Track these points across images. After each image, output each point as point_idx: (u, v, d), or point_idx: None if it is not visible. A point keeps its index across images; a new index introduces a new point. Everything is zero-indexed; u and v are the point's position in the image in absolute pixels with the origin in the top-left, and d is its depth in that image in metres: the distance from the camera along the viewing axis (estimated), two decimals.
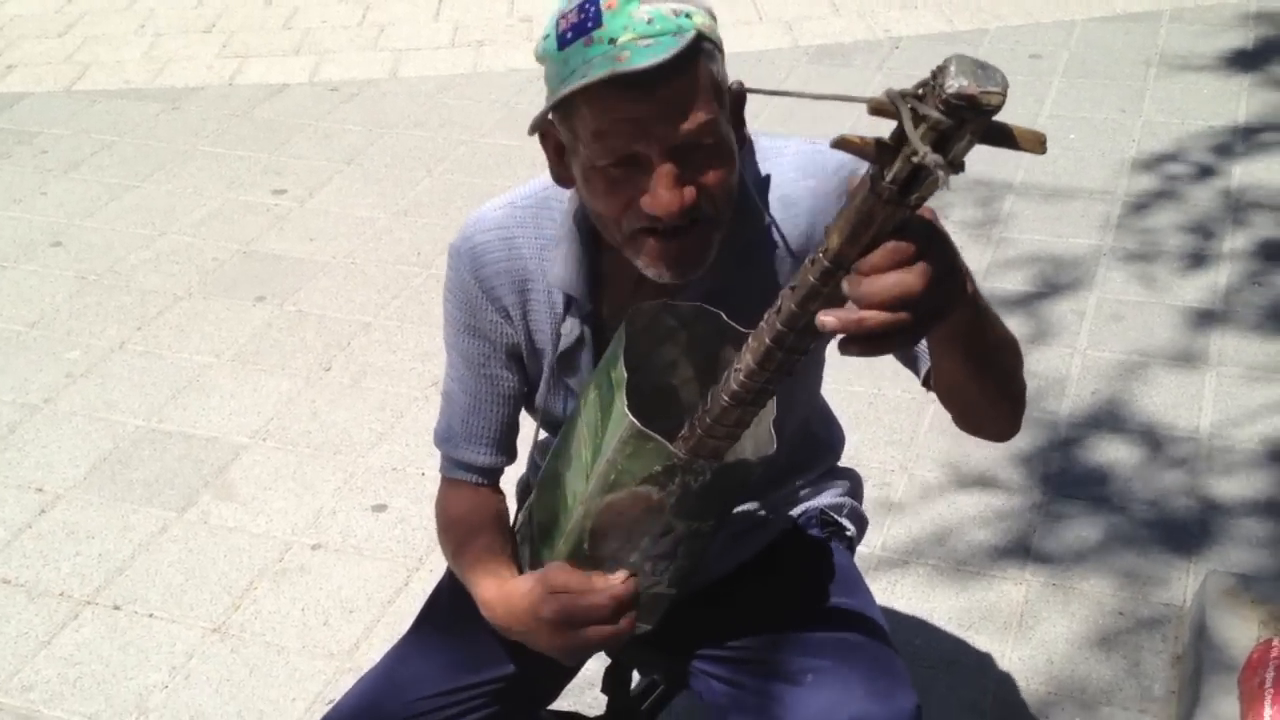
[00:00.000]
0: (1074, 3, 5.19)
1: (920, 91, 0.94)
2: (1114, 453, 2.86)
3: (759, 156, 1.47)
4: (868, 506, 1.86)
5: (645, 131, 1.28)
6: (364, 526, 2.81)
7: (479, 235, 1.55)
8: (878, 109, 0.98)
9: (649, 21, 1.26)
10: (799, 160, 1.48)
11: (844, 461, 1.81)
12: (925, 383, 1.45)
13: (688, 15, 1.28)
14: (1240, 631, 2.19)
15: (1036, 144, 0.99)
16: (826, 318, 1.04)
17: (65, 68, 5.28)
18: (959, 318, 1.18)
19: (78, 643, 2.55)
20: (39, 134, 4.76)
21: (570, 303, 1.51)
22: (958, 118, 0.92)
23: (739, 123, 1.38)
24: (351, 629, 2.55)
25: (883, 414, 2.99)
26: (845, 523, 1.74)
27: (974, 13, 5.16)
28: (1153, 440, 2.88)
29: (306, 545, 2.77)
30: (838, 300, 1.04)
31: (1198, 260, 3.52)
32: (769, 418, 1.36)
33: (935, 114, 0.92)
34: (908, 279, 1.01)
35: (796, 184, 1.46)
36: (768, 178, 1.47)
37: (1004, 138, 0.98)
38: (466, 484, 1.65)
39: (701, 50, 1.28)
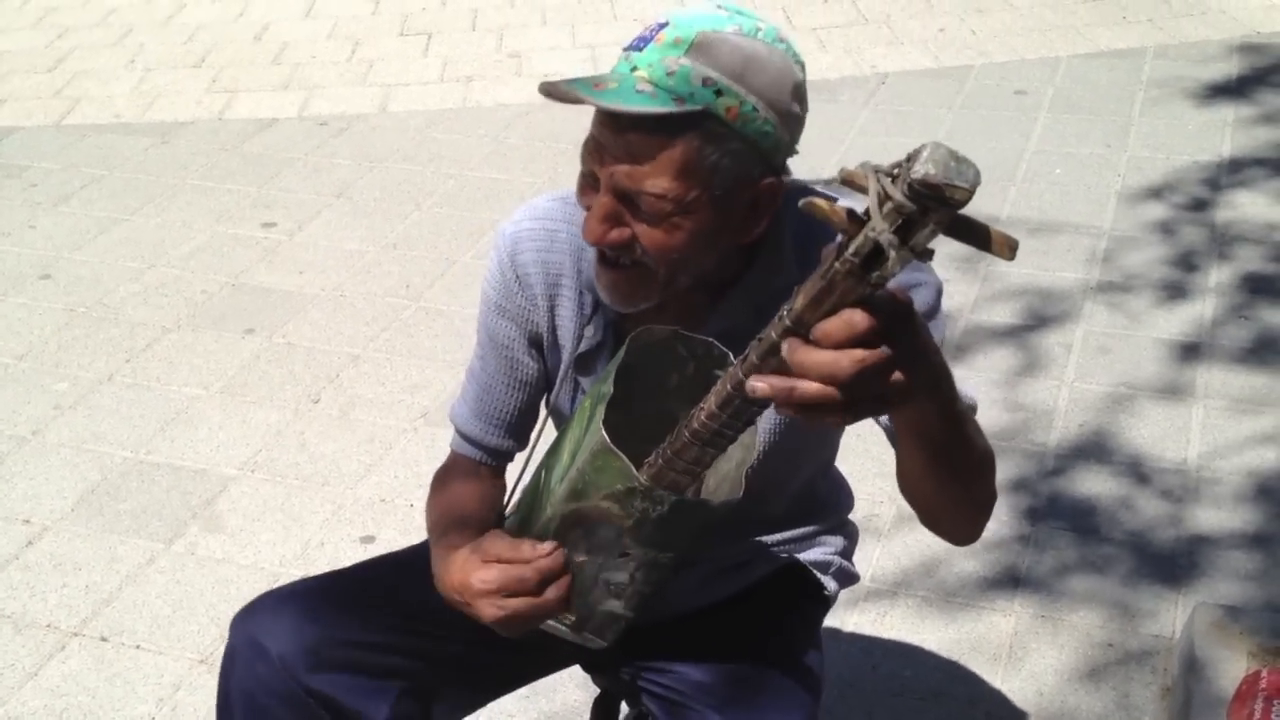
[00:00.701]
0: (1059, 39, 5.24)
1: (895, 171, 0.93)
2: (1102, 485, 2.87)
3: (814, 235, 1.44)
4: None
5: (602, 160, 1.31)
6: (352, 558, 2.79)
7: (526, 221, 1.57)
8: (849, 179, 0.97)
9: (669, 74, 1.27)
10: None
11: None
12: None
13: (717, 91, 1.27)
14: (1229, 663, 2.19)
15: (1006, 249, 0.97)
16: (758, 384, 1.03)
17: (55, 102, 5.30)
18: (921, 412, 1.16)
19: (65, 674, 2.54)
20: (28, 168, 4.76)
21: (597, 306, 1.52)
22: (921, 205, 0.91)
23: (752, 216, 1.37)
24: None
25: (871, 445, 2.99)
26: (827, 581, 1.74)
27: (960, 49, 5.20)
28: (1140, 472, 2.89)
29: (294, 577, 2.76)
30: None
31: (1183, 293, 3.54)
32: (745, 466, 1.36)
33: (900, 196, 0.91)
34: (841, 361, 0.99)
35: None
36: (810, 231, 1.45)
37: (974, 235, 0.96)
38: (470, 461, 1.67)
39: (697, 127, 1.27)
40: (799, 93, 1.33)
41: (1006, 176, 4.21)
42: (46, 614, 2.70)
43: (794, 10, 5.64)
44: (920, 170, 0.90)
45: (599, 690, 1.91)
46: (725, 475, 1.40)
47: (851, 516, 1.82)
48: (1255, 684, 2.09)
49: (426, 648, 1.61)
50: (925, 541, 2.73)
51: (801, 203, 0.99)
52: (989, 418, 3.08)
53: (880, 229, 0.92)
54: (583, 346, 1.54)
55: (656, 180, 1.29)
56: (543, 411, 1.68)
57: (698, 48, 1.27)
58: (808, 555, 1.72)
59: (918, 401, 1.10)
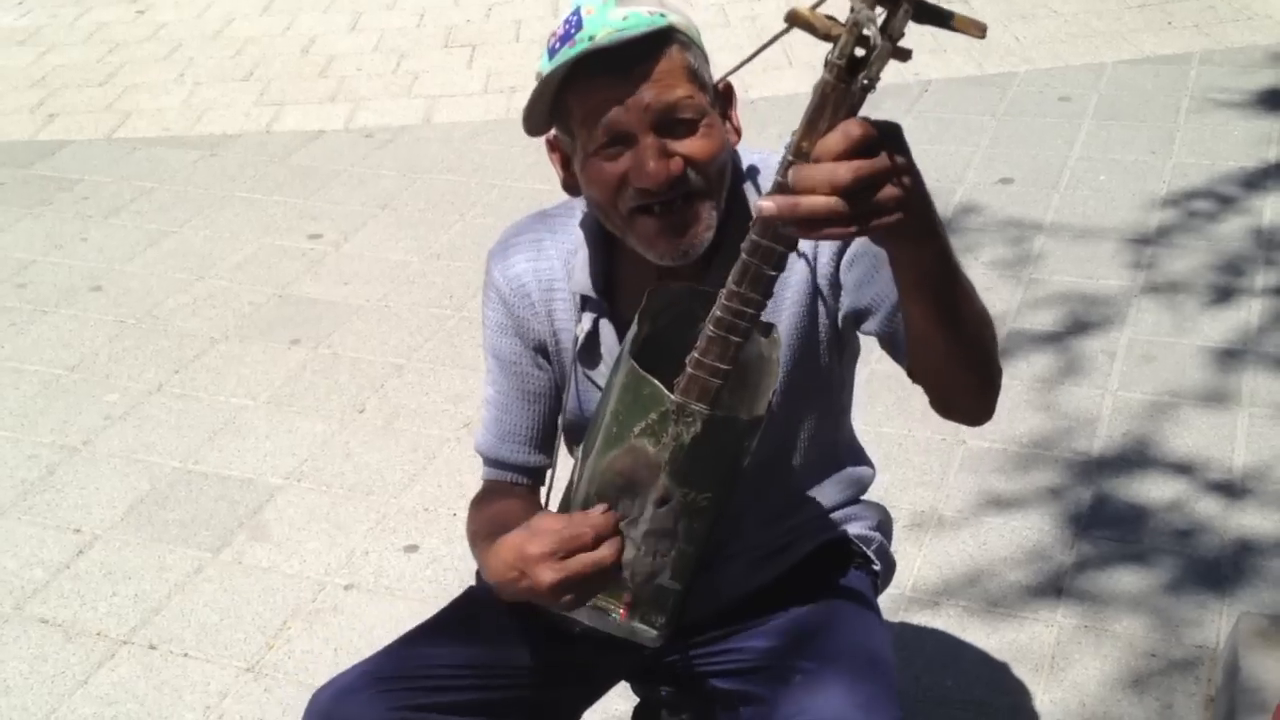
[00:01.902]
0: (1104, 45, 5.21)
1: None
2: (1146, 493, 2.85)
3: (763, 175, 1.55)
4: (899, 546, 1.86)
5: (625, 106, 1.39)
6: (396, 567, 2.83)
7: (512, 238, 1.65)
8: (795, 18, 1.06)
9: (624, 19, 1.38)
10: None
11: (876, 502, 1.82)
12: (910, 372, 1.48)
13: (662, 15, 1.40)
14: (1274, 673, 2.17)
15: (974, 28, 1.07)
16: (765, 202, 1.09)
17: (106, 115, 5.38)
18: (924, 253, 1.20)
19: (114, 682, 2.58)
20: (80, 181, 4.84)
21: (586, 301, 1.58)
22: None
23: (726, 116, 1.49)
24: None
25: (913, 455, 2.99)
26: (872, 555, 1.75)
27: (1003, 55, 5.19)
28: (1185, 481, 2.87)
29: (339, 586, 2.79)
30: None
31: (1228, 300, 3.51)
32: (769, 385, 1.40)
33: None
34: (839, 170, 1.05)
35: None
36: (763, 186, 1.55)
37: (940, 18, 1.07)
38: (503, 484, 1.71)
39: (675, 39, 1.40)
40: None
41: (1051, 183, 4.19)
42: (96, 622, 2.74)
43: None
44: None
45: (638, 699, 1.92)
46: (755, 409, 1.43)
47: (895, 528, 1.82)
48: None
49: (500, 699, 1.63)
50: (967, 551, 2.73)
51: (786, 14, 1.07)
52: (1032, 424, 3.07)
53: (859, 8, 1.03)
54: (579, 339, 1.58)
55: (680, 87, 1.40)
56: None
57: (620, 1, 1.41)
58: (847, 530, 1.74)
59: (915, 232, 1.15)
